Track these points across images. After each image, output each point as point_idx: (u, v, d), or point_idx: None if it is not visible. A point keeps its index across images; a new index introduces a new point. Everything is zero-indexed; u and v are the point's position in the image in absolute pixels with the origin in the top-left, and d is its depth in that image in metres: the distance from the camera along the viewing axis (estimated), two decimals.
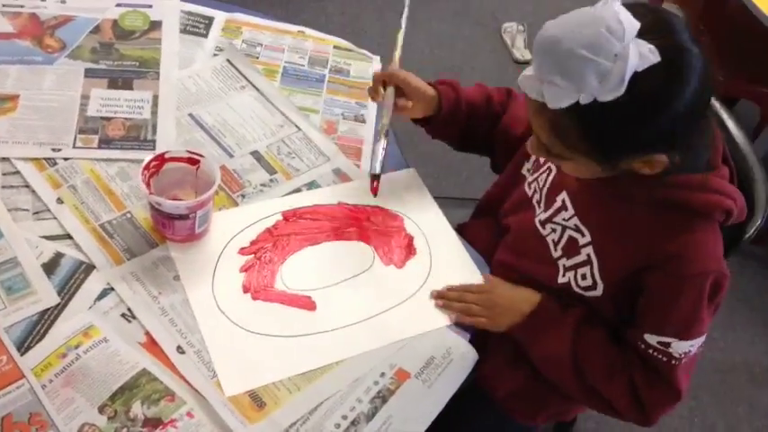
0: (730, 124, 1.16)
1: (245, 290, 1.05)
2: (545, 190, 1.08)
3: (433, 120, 1.18)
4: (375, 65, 1.44)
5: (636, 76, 0.78)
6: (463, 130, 1.20)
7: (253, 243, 1.10)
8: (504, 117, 1.20)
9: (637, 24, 0.78)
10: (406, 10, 1.22)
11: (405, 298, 1.08)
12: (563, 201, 1.04)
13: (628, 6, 0.81)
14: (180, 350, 0.98)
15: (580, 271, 1.02)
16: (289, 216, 1.14)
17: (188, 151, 1.07)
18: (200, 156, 1.07)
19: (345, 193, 1.18)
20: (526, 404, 1.17)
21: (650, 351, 0.97)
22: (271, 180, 1.20)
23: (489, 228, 1.21)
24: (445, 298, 1.07)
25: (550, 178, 1.08)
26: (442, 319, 1.07)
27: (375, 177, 1.12)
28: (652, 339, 0.97)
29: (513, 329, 1.06)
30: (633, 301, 0.99)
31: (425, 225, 1.17)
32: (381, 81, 1.15)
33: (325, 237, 1.13)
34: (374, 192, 1.13)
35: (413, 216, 1.18)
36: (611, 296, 1.00)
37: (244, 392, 0.95)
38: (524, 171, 1.15)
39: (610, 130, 0.83)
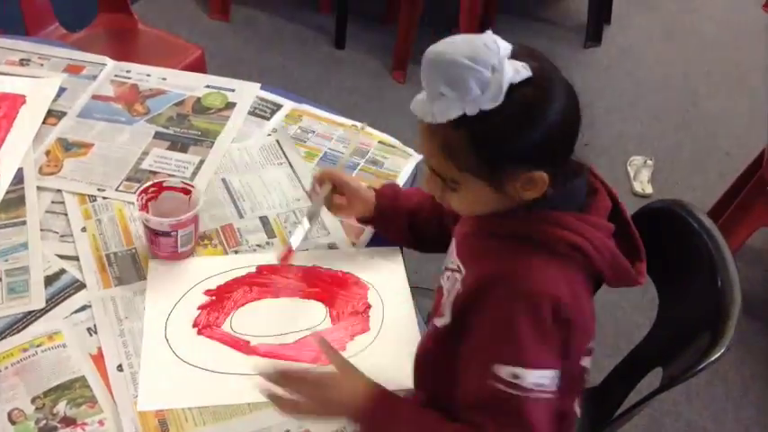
0: None
1: (194, 324, 1.16)
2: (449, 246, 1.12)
3: (373, 220, 1.27)
4: (412, 162, 1.53)
5: (512, 88, 0.87)
6: (412, 228, 1.25)
7: (219, 287, 1.21)
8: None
9: (509, 46, 0.89)
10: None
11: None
12: (452, 246, 1.08)
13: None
14: (119, 368, 1.10)
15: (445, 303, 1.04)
16: (262, 270, 1.24)
17: (182, 182, 1.25)
18: (192, 186, 1.25)
19: (322, 257, 1.27)
20: None
21: (499, 386, 0.90)
22: (267, 242, 1.31)
23: None
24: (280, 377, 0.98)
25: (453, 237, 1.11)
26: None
27: (289, 248, 1.23)
28: (500, 371, 0.90)
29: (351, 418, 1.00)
30: (473, 333, 0.95)
31: (388, 299, 1.23)
32: (320, 180, 1.26)
33: (289, 292, 1.21)
34: (283, 260, 1.23)
35: (379, 289, 1.24)
36: (456, 325, 1.00)
37: (154, 412, 1.04)
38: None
39: (493, 138, 0.90)
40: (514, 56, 0.89)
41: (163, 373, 1.09)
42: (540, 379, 0.91)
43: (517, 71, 0.87)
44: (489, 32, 0.90)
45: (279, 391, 0.97)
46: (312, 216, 1.26)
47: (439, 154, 0.93)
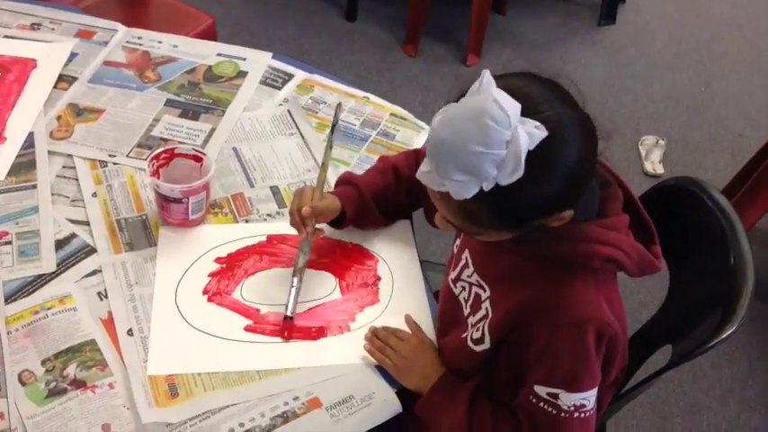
0: None
1: (204, 291, 1.16)
2: (455, 250, 1.11)
3: (344, 222, 1.22)
4: (424, 135, 1.52)
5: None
6: (384, 211, 1.24)
7: (229, 255, 1.21)
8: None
9: (518, 107, 0.80)
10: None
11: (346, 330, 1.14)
12: (466, 258, 1.06)
13: (509, 78, 0.84)
14: (129, 333, 1.10)
15: (477, 325, 1.02)
16: (272, 239, 1.24)
17: (193, 149, 1.25)
18: (203, 154, 1.24)
19: (333, 230, 1.26)
20: None
21: (540, 404, 0.95)
22: (277, 212, 1.31)
23: None
24: (375, 334, 1.11)
25: (459, 239, 1.11)
26: (367, 356, 1.10)
27: (288, 319, 1.12)
28: (541, 390, 0.95)
29: (416, 389, 1.08)
30: (518, 356, 0.97)
31: (397, 271, 1.22)
32: (300, 222, 1.16)
33: None
34: (286, 335, 1.11)
35: (389, 261, 1.23)
36: (497, 349, 0.99)
37: (164, 377, 1.04)
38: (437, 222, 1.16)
39: (514, 204, 0.85)
40: (524, 109, 0.80)
41: (173, 339, 1.09)
42: (581, 400, 0.94)
43: (532, 135, 0.79)
44: (493, 89, 0.80)
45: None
46: (302, 267, 1.16)
47: (457, 215, 0.90)
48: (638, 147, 2.65)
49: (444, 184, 0.84)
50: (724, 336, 1.02)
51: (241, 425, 1.01)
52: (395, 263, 1.24)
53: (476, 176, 0.81)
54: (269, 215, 1.30)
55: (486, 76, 0.82)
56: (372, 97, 1.59)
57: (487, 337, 0.99)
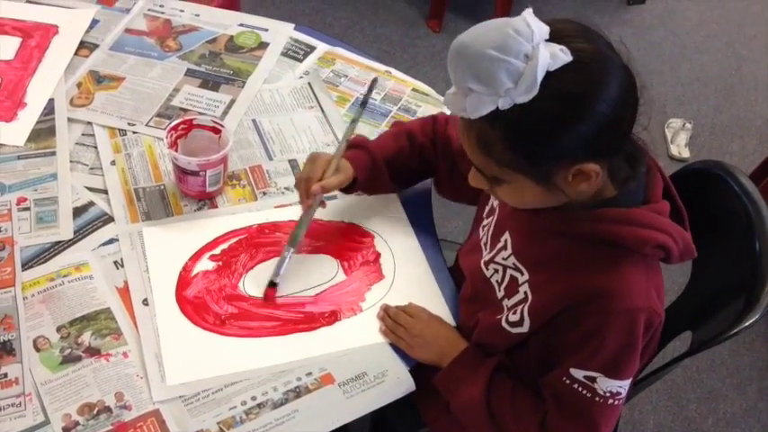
0: None
1: (207, 291, 1.12)
2: (490, 232, 1.08)
3: (354, 187, 1.19)
4: (445, 111, 1.49)
5: (551, 77, 0.78)
6: (395, 177, 1.21)
7: (223, 251, 1.18)
8: (437, 138, 1.21)
9: (546, 28, 0.79)
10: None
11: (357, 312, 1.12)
12: (504, 240, 1.03)
13: (552, 20, 0.82)
14: (145, 302, 1.10)
15: (514, 308, 1.00)
16: (264, 228, 1.22)
17: (212, 120, 1.23)
18: (222, 126, 1.23)
19: (320, 210, 1.22)
20: None
21: (574, 386, 0.93)
22: (296, 186, 1.29)
23: None
24: (386, 312, 1.11)
25: (495, 220, 1.07)
26: (382, 336, 1.09)
27: (272, 285, 1.12)
28: (578, 374, 0.93)
29: (432, 364, 1.08)
30: (558, 339, 0.95)
31: (396, 245, 1.21)
32: (309, 193, 1.14)
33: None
34: (268, 298, 1.12)
35: (384, 235, 1.22)
36: (535, 333, 0.97)
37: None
38: (484, 215, 1.14)
39: (532, 134, 0.82)
40: (555, 37, 0.79)
41: (184, 346, 1.05)
42: (618, 387, 0.93)
43: (555, 56, 0.77)
44: (527, 12, 0.80)
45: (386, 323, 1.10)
46: (299, 240, 1.15)
47: (476, 149, 0.88)
48: (665, 129, 2.60)
49: (464, 105, 0.82)
50: (747, 324, 1.00)
51: (253, 398, 1.01)
52: (391, 237, 1.23)
53: (490, 87, 0.79)
54: (287, 188, 1.29)
55: (528, 9, 0.81)
56: (394, 71, 1.57)
57: (527, 321, 0.97)
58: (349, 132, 1.29)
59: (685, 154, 2.52)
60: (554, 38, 0.79)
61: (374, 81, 1.42)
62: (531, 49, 0.77)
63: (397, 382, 1.05)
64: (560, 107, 0.79)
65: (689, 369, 2.00)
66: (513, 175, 0.88)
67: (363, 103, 1.31)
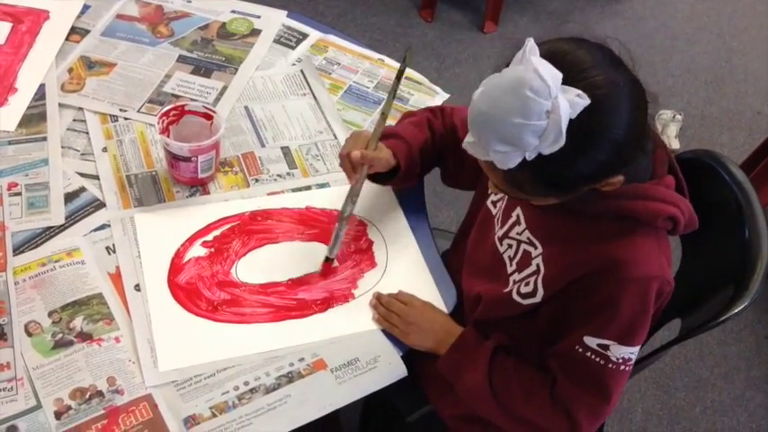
0: None
1: (199, 278, 1.12)
2: (503, 207, 1.10)
3: (395, 178, 1.18)
4: (438, 100, 1.49)
5: (570, 121, 0.79)
6: (423, 168, 1.22)
7: (215, 238, 1.18)
8: (447, 128, 1.22)
9: (559, 76, 0.79)
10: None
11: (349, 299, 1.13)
12: (517, 215, 1.05)
13: (556, 43, 0.83)
14: (137, 288, 1.10)
15: (526, 280, 1.01)
16: (256, 216, 1.21)
17: (204, 106, 1.23)
18: (214, 112, 1.22)
19: (314, 199, 1.24)
20: (470, 427, 1.16)
21: (587, 354, 0.96)
22: (288, 173, 1.30)
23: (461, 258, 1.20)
24: (378, 300, 1.11)
25: (500, 200, 1.10)
26: (374, 323, 1.10)
27: (329, 260, 1.15)
28: (592, 342, 0.95)
29: (428, 351, 1.09)
30: (571, 308, 0.97)
31: (388, 233, 1.21)
32: (356, 164, 1.13)
33: (287, 237, 1.19)
34: (325, 273, 1.15)
35: (377, 224, 1.22)
36: (548, 303, 0.99)
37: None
38: (490, 190, 1.14)
39: (560, 173, 0.85)
40: (567, 78, 0.79)
41: (176, 332, 1.06)
42: (630, 354, 0.96)
43: (574, 104, 0.78)
44: (536, 61, 0.79)
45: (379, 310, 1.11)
46: (348, 215, 1.15)
47: (505, 185, 0.90)
48: (655, 121, 2.61)
49: (488, 153, 0.84)
50: (736, 311, 1.01)
51: (246, 383, 1.01)
52: (383, 225, 1.23)
53: (517, 147, 0.81)
54: (279, 175, 1.29)
55: (530, 44, 0.81)
56: (387, 59, 1.57)
57: (540, 292, 0.99)
58: (388, 106, 1.18)
59: (675, 145, 2.53)
60: (569, 76, 0.79)
61: (408, 51, 1.23)
62: (551, 105, 0.78)
63: (389, 368, 1.06)
64: (582, 144, 0.81)
65: (677, 358, 2.02)
66: (542, 198, 0.93)
67: (399, 76, 1.19)
